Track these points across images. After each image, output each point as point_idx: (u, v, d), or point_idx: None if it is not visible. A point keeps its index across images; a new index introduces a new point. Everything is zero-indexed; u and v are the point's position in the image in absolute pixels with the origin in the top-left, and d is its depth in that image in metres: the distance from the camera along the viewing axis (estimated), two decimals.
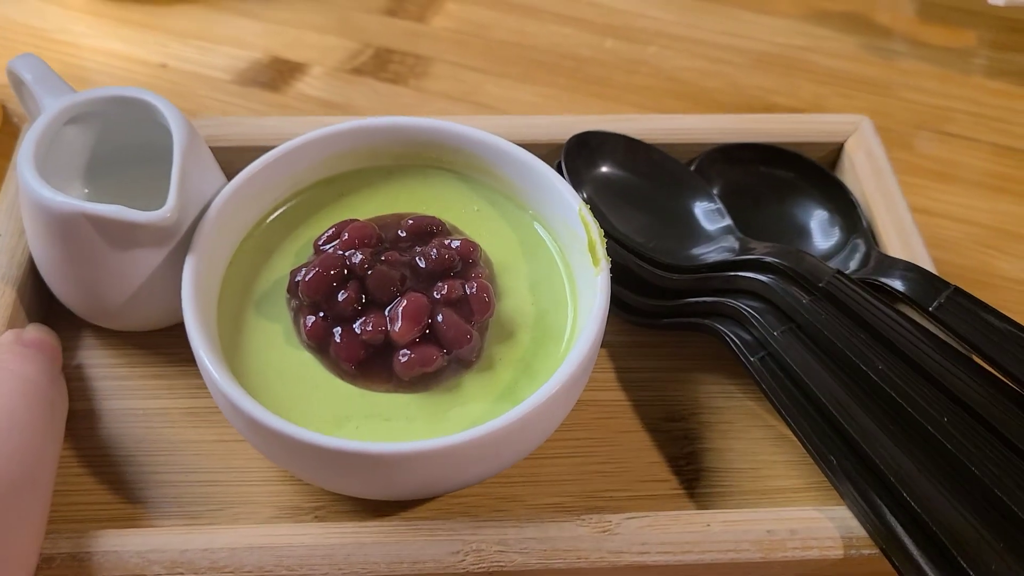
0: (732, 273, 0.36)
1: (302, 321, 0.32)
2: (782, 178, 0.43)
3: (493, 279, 0.35)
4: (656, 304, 0.37)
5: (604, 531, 0.30)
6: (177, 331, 0.31)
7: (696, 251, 0.38)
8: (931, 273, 0.36)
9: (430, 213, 0.36)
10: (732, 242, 0.38)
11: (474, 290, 0.32)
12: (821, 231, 0.41)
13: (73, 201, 0.32)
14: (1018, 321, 0.33)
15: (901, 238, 0.39)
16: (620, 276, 0.37)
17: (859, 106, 0.53)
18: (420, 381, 0.31)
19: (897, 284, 0.36)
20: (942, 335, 0.34)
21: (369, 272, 0.32)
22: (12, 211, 0.38)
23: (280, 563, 0.29)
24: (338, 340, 0.32)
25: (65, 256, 0.33)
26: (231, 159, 0.38)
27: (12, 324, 0.35)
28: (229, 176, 0.35)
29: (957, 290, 0.34)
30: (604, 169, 0.41)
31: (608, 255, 0.33)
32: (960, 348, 0.33)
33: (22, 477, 0.28)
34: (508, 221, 0.37)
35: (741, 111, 0.52)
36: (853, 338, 0.33)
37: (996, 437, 0.31)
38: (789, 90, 0.54)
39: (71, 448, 0.34)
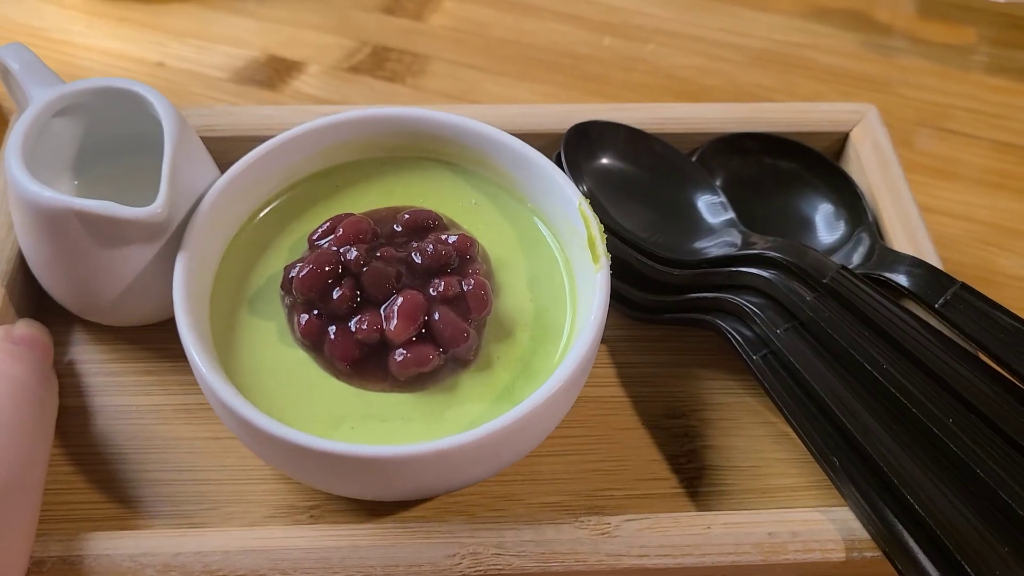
0: (734, 268, 0.36)
1: (296, 319, 0.32)
2: (785, 169, 0.42)
3: (491, 275, 0.34)
4: (657, 299, 0.37)
5: (603, 533, 0.30)
6: (169, 326, 0.31)
7: (698, 245, 0.38)
8: (937, 269, 0.35)
9: (427, 207, 0.35)
10: (735, 236, 0.37)
11: (471, 287, 0.32)
12: (825, 224, 0.40)
13: (61, 197, 0.31)
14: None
15: (907, 232, 0.39)
16: (621, 271, 0.36)
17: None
18: (416, 381, 0.31)
19: (902, 279, 0.35)
20: (948, 332, 0.33)
21: (364, 269, 0.31)
22: (0, 205, 0.37)
23: (274, 566, 0.29)
24: (333, 338, 0.31)
25: (54, 252, 0.33)
26: (224, 149, 0.38)
27: (2, 320, 0.34)
28: (221, 167, 0.35)
29: (964, 286, 0.34)
30: (604, 161, 0.40)
31: (608, 250, 0.32)
32: (966, 346, 0.33)
33: (11, 479, 0.28)
34: (506, 215, 0.36)
35: None
36: (856, 335, 0.33)
37: (1001, 438, 0.30)
38: (788, 87, 0.53)
39: (62, 446, 0.34)
